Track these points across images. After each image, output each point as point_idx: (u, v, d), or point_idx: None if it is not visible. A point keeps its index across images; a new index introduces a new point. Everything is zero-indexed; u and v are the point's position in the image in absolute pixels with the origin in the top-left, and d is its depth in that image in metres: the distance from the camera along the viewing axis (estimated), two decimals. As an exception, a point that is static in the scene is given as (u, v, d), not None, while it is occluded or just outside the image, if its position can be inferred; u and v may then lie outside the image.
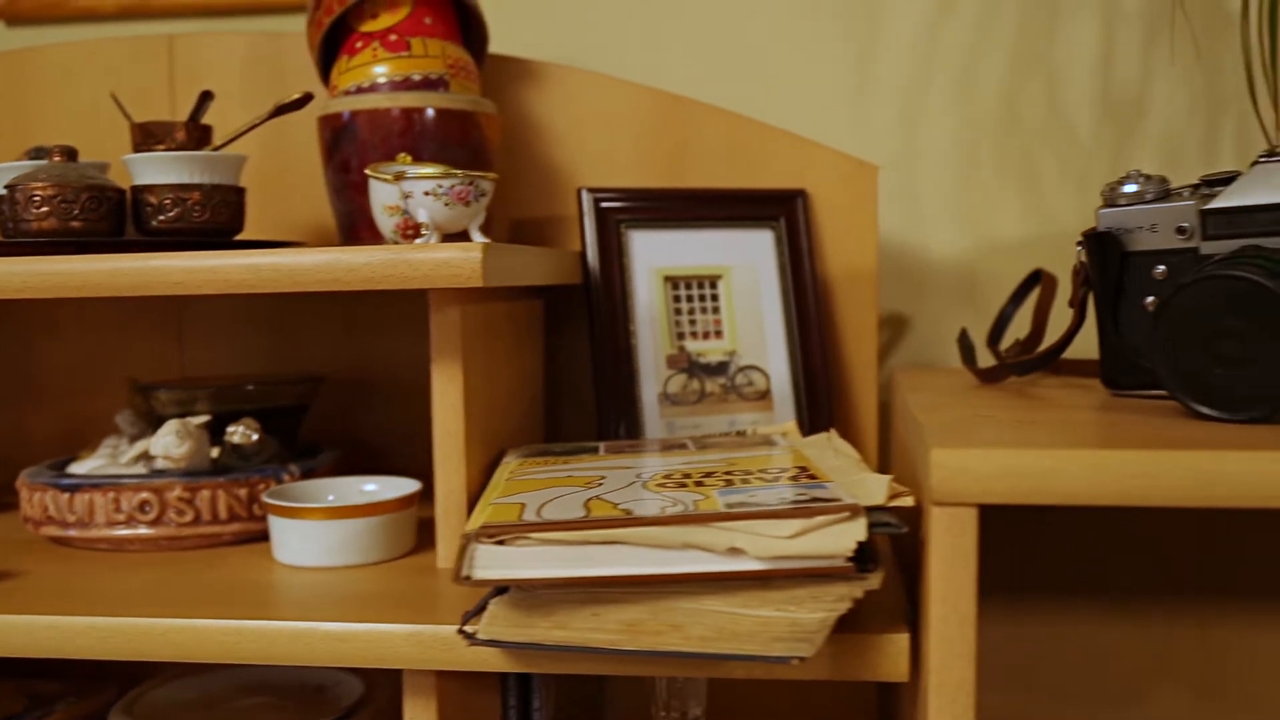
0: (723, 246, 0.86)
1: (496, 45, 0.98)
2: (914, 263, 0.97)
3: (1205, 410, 0.56)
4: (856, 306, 0.89)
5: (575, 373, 0.92)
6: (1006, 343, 0.87)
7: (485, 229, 0.78)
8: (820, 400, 0.85)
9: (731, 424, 0.84)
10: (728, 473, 0.61)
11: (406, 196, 0.67)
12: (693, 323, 0.84)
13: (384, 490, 0.76)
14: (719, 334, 0.85)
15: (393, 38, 0.81)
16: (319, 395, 0.95)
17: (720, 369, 0.84)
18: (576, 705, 0.94)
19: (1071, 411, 0.61)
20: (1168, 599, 0.91)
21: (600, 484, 0.60)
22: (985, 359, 0.91)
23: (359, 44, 0.81)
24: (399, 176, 0.67)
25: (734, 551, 0.52)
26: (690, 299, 0.85)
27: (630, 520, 0.52)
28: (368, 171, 0.73)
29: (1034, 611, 0.93)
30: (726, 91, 0.99)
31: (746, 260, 0.86)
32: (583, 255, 0.83)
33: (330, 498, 0.76)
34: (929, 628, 0.50)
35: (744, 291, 0.86)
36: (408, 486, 0.75)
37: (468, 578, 0.53)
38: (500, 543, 0.53)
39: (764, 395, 0.85)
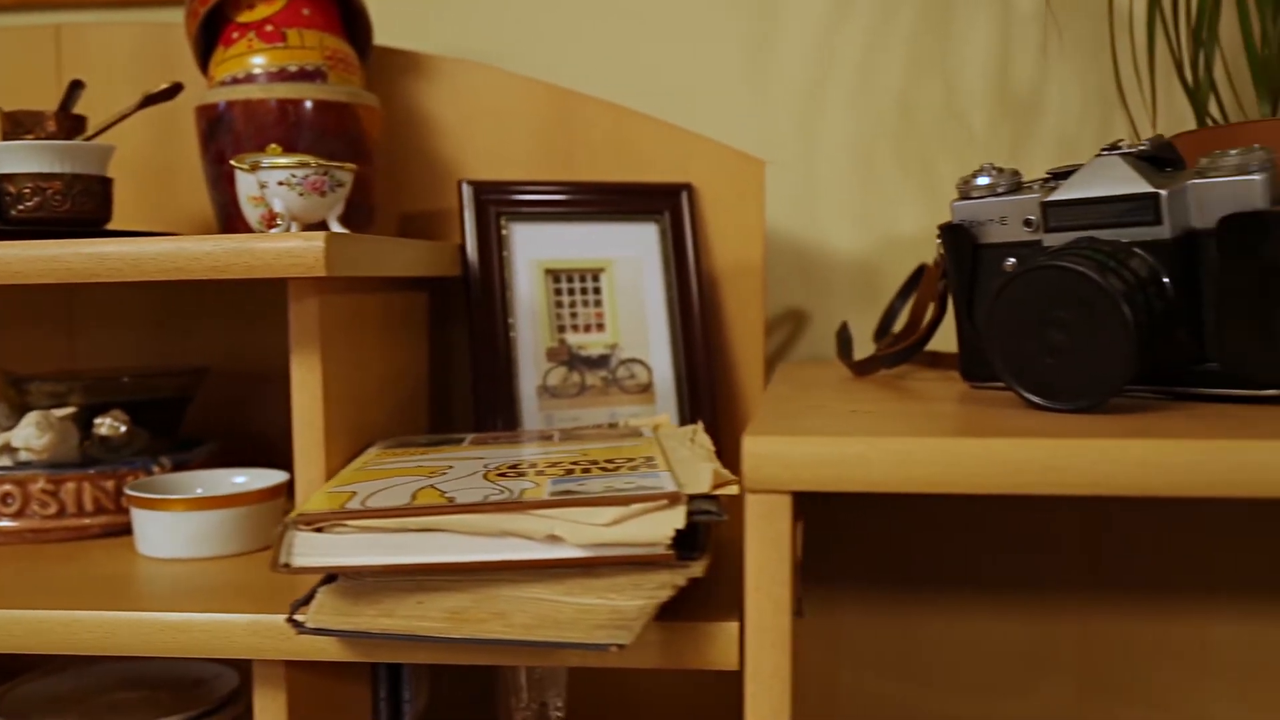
0: (606, 240, 0.86)
1: (386, 38, 0.98)
2: (814, 259, 0.98)
3: (1036, 399, 0.56)
4: (743, 300, 0.89)
5: (464, 365, 0.92)
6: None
7: (364, 220, 0.78)
8: (702, 393, 0.85)
9: (612, 416, 0.84)
10: (574, 463, 0.61)
11: (263, 186, 0.67)
12: (574, 316, 0.84)
13: (252, 482, 0.76)
14: (601, 327, 0.85)
15: (269, 28, 0.80)
16: (204, 387, 0.95)
17: (602, 362, 0.84)
18: (467, 694, 0.94)
19: (916, 403, 0.61)
20: (1050, 591, 0.92)
21: (444, 474, 0.60)
22: (870, 352, 0.91)
23: (235, 34, 0.81)
24: (255, 166, 0.67)
25: (552, 539, 0.52)
26: (572, 292, 0.85)
27: (448, 508, 0.52)
28: (232, 162, 0.73)
29: (925, 604, 0.94)
30: (622, 88, 0.99)
31: (630, 254, 0.86)
32: (462, 248, 0.83)
33: (199, 490, 0.76)
34: (745, 615, 0.51)
35: (627, 285, 0.86)
36: (275, 478, 0.75)
37: (285, 565, 0.52)
38: (318, 530, 0.52)
39: (646, 388, 0.85)
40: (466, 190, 0.83)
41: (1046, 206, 0.61)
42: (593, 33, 0.99)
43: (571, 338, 0.84)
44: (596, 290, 0.85)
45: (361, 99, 0.82)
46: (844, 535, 0.94)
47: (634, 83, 0.99)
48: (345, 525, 0.52)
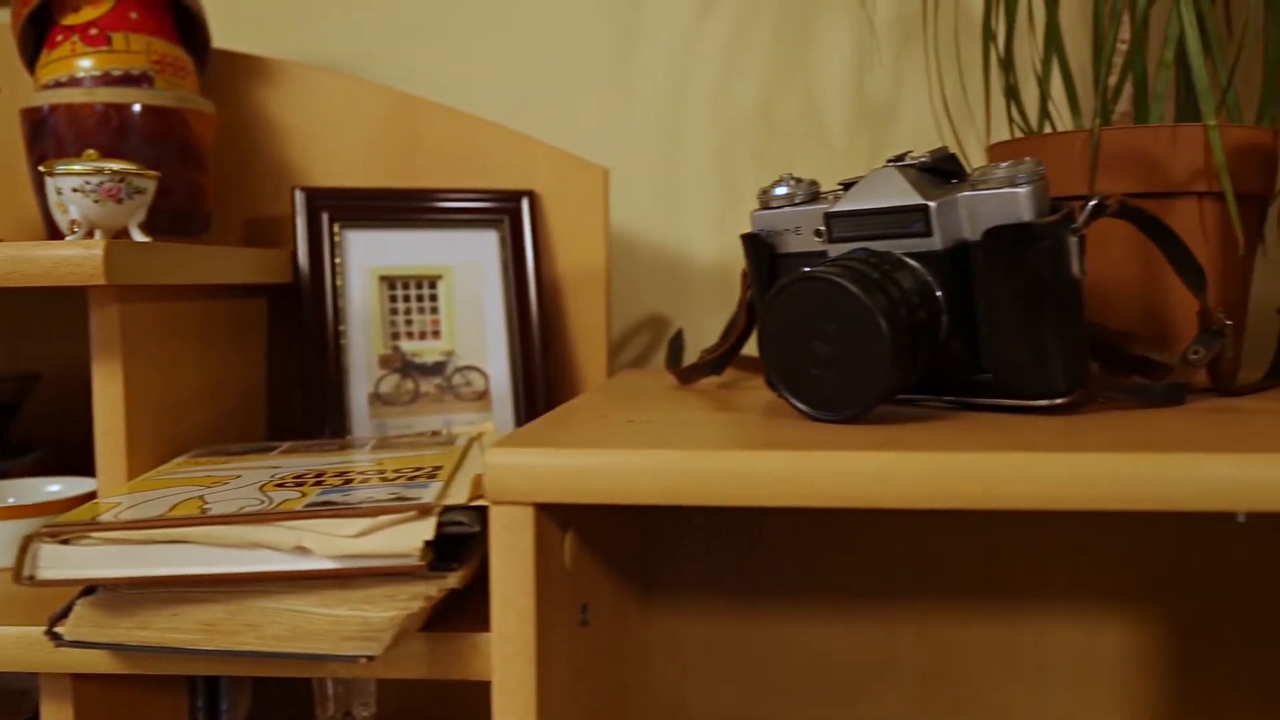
0: (445, 247, 0.86)
1: (231, 42, 0.97)
2: (676, 264, 0.98)
3: (806, 409, 0.57)
4: (587, 307, 0.89)
5: (310, 373, 0.91)
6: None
7: (199, 226, 0.77)
8: (538, 400, 0.85)
9: (446, 423, 0.83)
10: (361, 472, 0.61)
11: (59, 193, 0.66)
12: (409, 323, 0.84)
13: (64, 491, 0.75)
14: (437, 334, 0.84)
15: (93, 31, 0.80)
16: (38, 394, 0.93)
17: (437, 369, 0.84)
18: (292, 702, 0.93)
19: (706, 413, 0.61)
20: (891, 598, 0.92)
21: (224, 485, 0.60)
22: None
23: (60, 37, 0.80)
24: (49, 172, 0.66)
25: (301, 550, 0.51)
26: (408, 299, 0.84)
27: (197, 519, 0.52)
28: (40, 168, 0.72)
29: (771, 612, 0.94)
30: (476, 94, 0.99)
31: (469, 260, 0.86)
32: (294, 254, 0.83)
33: (11, 499, 0.75)
34: (492, 626, 0.50)
35: (465, 292, 0.86)
36: (85, 487, 0.74)
37: (30, 578, 0.52)
38: (65, 542, 0.52)
39: (482, 395, 0.85)
40: (299, 197, 0.83)
41: (829, 217, 0.61)
42: (449, 39, 0.99)
43: (406, 345, 0.84)
44: (433, 297, 0.85)
45: (192, 104, 0.81)
46: (689, 544, 0.94)
47: (490, 88, 0.99)
48: (91, 537, 0.52)
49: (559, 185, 0.89)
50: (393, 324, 0.83)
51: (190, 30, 0.85)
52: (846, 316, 0.54)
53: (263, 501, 0.54)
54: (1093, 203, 0.56)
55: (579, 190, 0.89)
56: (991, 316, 0.57)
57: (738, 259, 0.98)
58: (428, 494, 0.54)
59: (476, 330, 0.85)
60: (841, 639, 0.93)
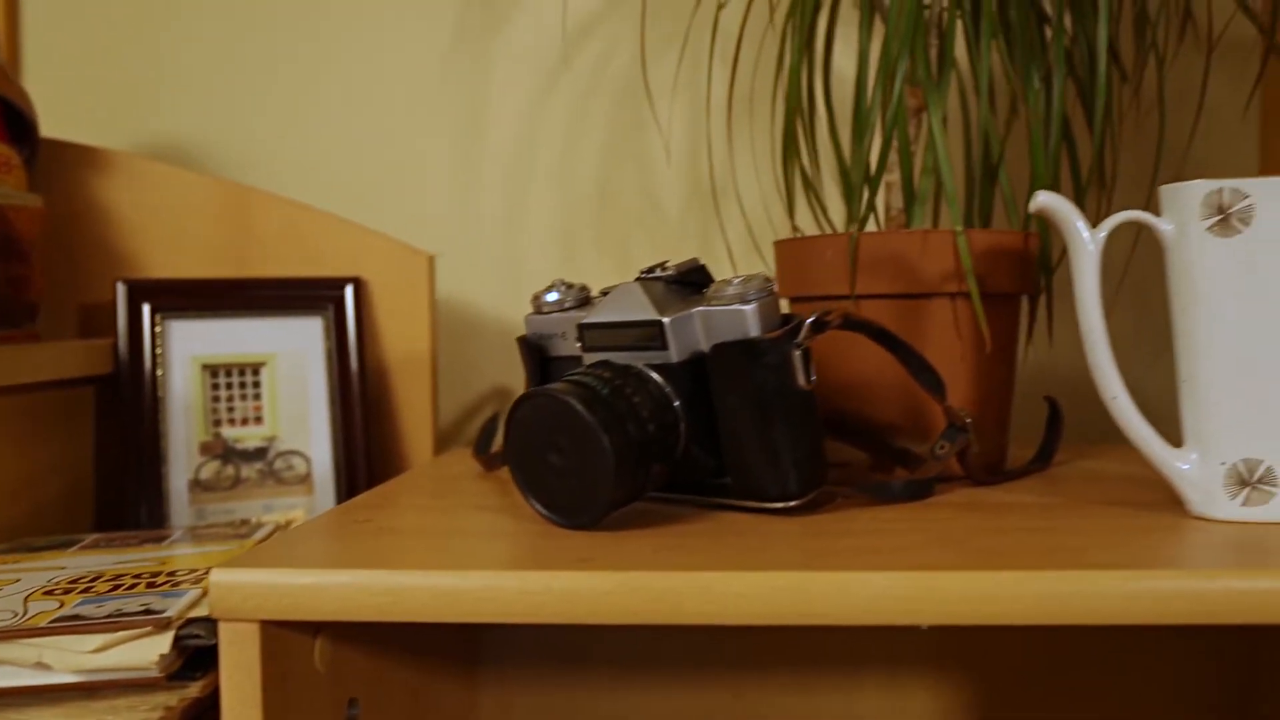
0: (268, 334, 0.88)
1: (65, 132, 1.00)
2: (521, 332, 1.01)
3: (549, 515, 0.60)
4: (413, 389, 0.92)
5: (145, 455, 0.94)
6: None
7: (25, 317, 0.79)
8: (359, 482, 0.87)
9: (268, 508, 0.86)
10: (135, 576, 0.63)
11: None
12: (231, 410, 0.86)
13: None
14: (259, 420, 0.87)
15: (-87, 133, 0.82)
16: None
17: (259, 454, 0.86)
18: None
19: (478, 513, 0.64)
20: (706, 665, 0.95)
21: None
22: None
23: (-120, 139, 0.82)
24: None
25: (41, 666, 0.54)
26: (230, 386, 0.87)
27: (-61, 638, 0.54)
28: None
29: (594, 681, 0.97)
30: (316, 182, 1.02)
31: (293, 347, 0.89)
32: (115, 346, 0.85)
33: None
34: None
35: (289, 378, 0.88)
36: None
37: None
38: None
39: (304, 479, 0.87)
40: (120, 289, 0.85)
41: (581, 328, 0.64)
42: (287, 127, 1.02)
43: (228, 431, 0.86)
44: (256, 384, 0.87)
45: (12, 199, 0.83)
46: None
47: (329, 175, 1.02)
48: None
49: (386, 271, 0.92)
50: (214, 411, 0.86)
51: (18, 124, 0.87)
52: (574, 432, 0.57)
53: (15, 614, 0.57)
54: (811, 320, 0.59)
55: (405, 276, 0.92)
56: (727, 425, 0.61)
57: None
58: (177, 605, 0.56)
59: (300, 415, 0.88)
60: (662, 706, 0.96)
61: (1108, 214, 0.71)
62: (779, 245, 0.77)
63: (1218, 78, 0.95)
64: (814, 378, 0.60)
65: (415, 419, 0.92)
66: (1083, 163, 0.84)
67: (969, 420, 0.66)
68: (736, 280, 0.60)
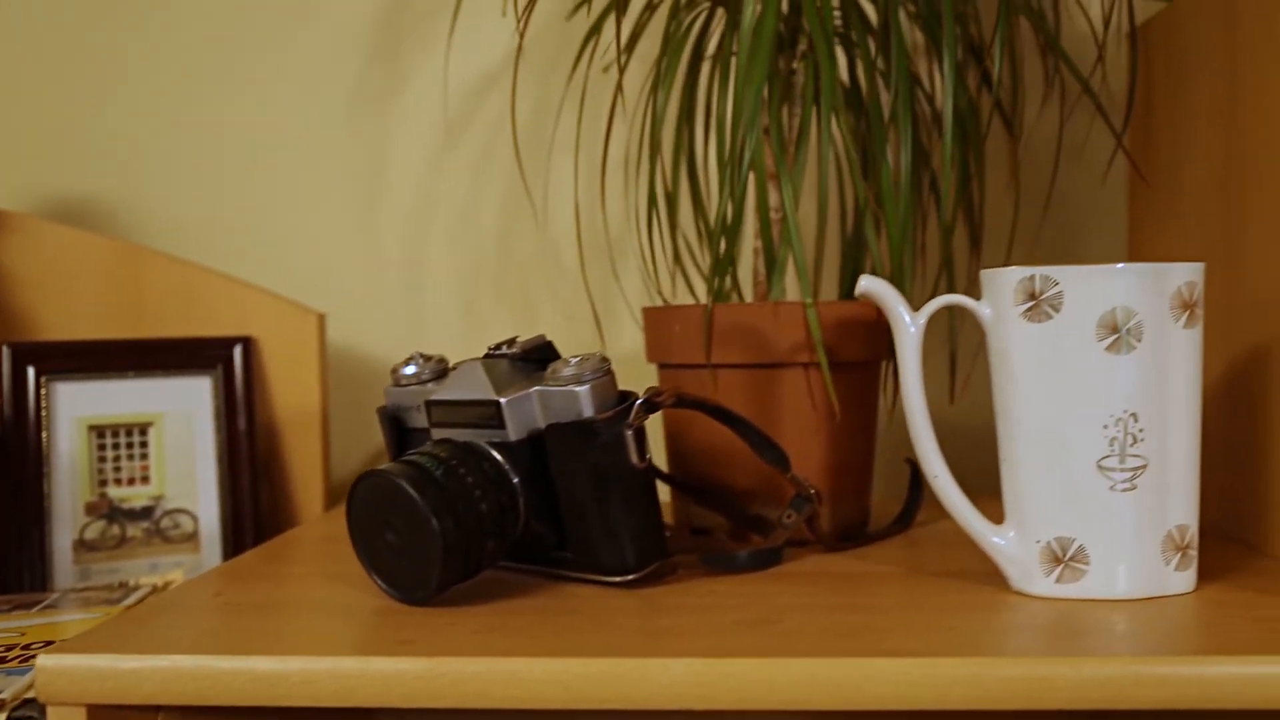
0: (157, 394, 0.89)
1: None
2: None
3: (389, 590, 0.61)
4: (303, 446, 0.94)
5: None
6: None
7: None
8: (246, 540, 0.89)
9: (153, 567, 0.87)
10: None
11: None
12: (117, 469, 0.88)
13: None
14: (146, 479, 0.88)
15: None
16: None
17: (145, 514, 0.88)
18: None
19: (328, 584, 0.65)
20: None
21: None
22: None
23: None
24: None
25: None
26: (117, 446, 0.88)
27: None
28: None
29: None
30: (210, 242, 1.03)
31: (182, 407, 0.90)
32: None
33: None
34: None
35: (177, 437, 0.89)
36: None
37: None
38: None
39: (191, 537, 0.88)
40: (5, 352, 0.86)
41: (428, 404, 0.66)
42: (186, 186, 1.03)
43: (114, 491, 0.87)
44: (143, 444, 0.88)
45: (-102, 265, 0.85)
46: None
47: (225, 234, 1.03)
48: None
49: (277, 330, 0.93)
50: (101, 471, 0.87)
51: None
52: (406, 513, 0.58)
53: None
54: (640, 400, 0.61)
55: (296, 334, 0.93)
56: (565, 501, 0.62)
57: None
58: (15, 685, 0.58)
59: (187, 474, 0.89)
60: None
61: (984, 267, 0.73)
62: (646, 313, 0.79)
63: (1099, 137, 0.97)
64: (649, 455, 0.62)
65: (307, 475, 0.93)
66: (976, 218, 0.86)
67: (814, 491, 0.68)
68: (574, 360, 0.62)
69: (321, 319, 0.94)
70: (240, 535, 0.89)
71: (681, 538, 0.75)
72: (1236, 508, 0.72)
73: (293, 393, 0.93)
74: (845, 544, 0.73)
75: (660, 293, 0.85)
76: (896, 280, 0.70)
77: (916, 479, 0.80)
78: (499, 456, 0.62)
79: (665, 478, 0.77)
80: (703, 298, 0.99)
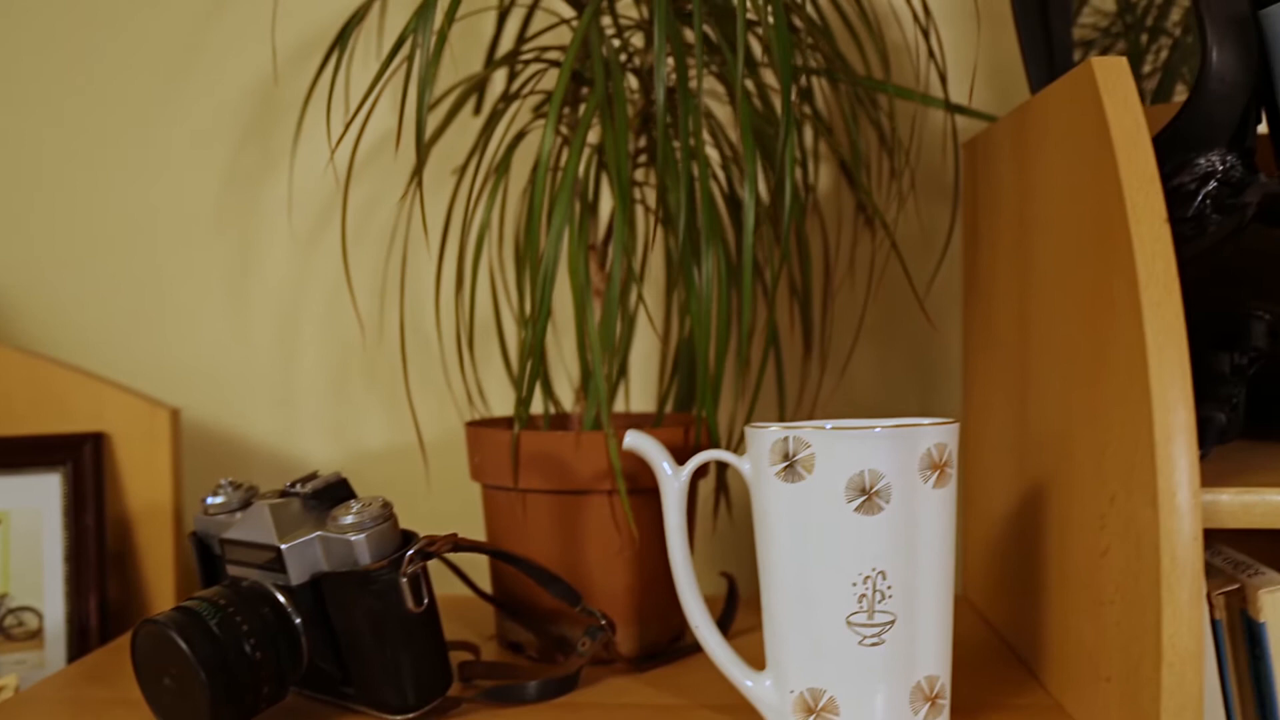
0: (4, 492, 0.91)
1: None
2: (296, 474, 1.04)
3: (168, 732, 0.63)
4: (154, 542, 0.95)
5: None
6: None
7: None
8: (91, 639, 0.90)
9: (-5, 665, 0.88)
10: None
11: None
12: (-38, 568, 0.89)
13: None
14: (-10, 577, 0.90)
15: None
16: None
17: (-12, 612, 0.89)
18: None
19: (99, 714, 0.67)
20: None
21: None
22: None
23: None
24: None
25: None
26: (-38, 545, 0.89)
27: None
28: None
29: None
30: (69, 336, 1.05)
31: (29, 504, 0.91)
32: None
33: None
34: None
35: (23, 534, 0.91)
36: None
37: None
38: None
39: (35, 635, 0.90)
40: None
41: (222, 542, 0.68)
42: (45, 276, 1.05)
43: (-42, 590, 0.89)
44: (-11, 542, 0.90)
45: None
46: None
47: (84, 328, 1.05)
48: None
49: (129, 425, 0.95)
50: (-56, 570, 0.89)
51: None
52: (178, 662, 0.60)
53: None
54: (414, 549, 0.63)
55: (148, 429, 0.95)
56: (346, 643, 0.64)
57: (351, 465, 1.04)
58: None
59: (33, 571, 0.90)
60: None
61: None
62: (466, 430, 0.80)
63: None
64: (426, 598, 0.64)
65: (158, 571, 0.95)
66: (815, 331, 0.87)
67: (605, 621, 0.70)
68: (356, 506, 0.64)
69: (175, 414, 0.95)
70: (86, 633, 0.90)
71: (480, 665, 0.75)
72: (1023, 635, 0.75)
73: (145, 487, 0.95)
74: (649, 663, 0.75)
75: (482, 411, 0.87)
76: (715, 391, 0.72)
77: (732, 593, 0.82)
78: (282, 599, 0.64)
79: (480, 593, 0.79)
80: (567, 402, 1.01)
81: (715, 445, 0.79)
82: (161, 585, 0.95)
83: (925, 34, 0.83)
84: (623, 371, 0.94)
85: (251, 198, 1.06)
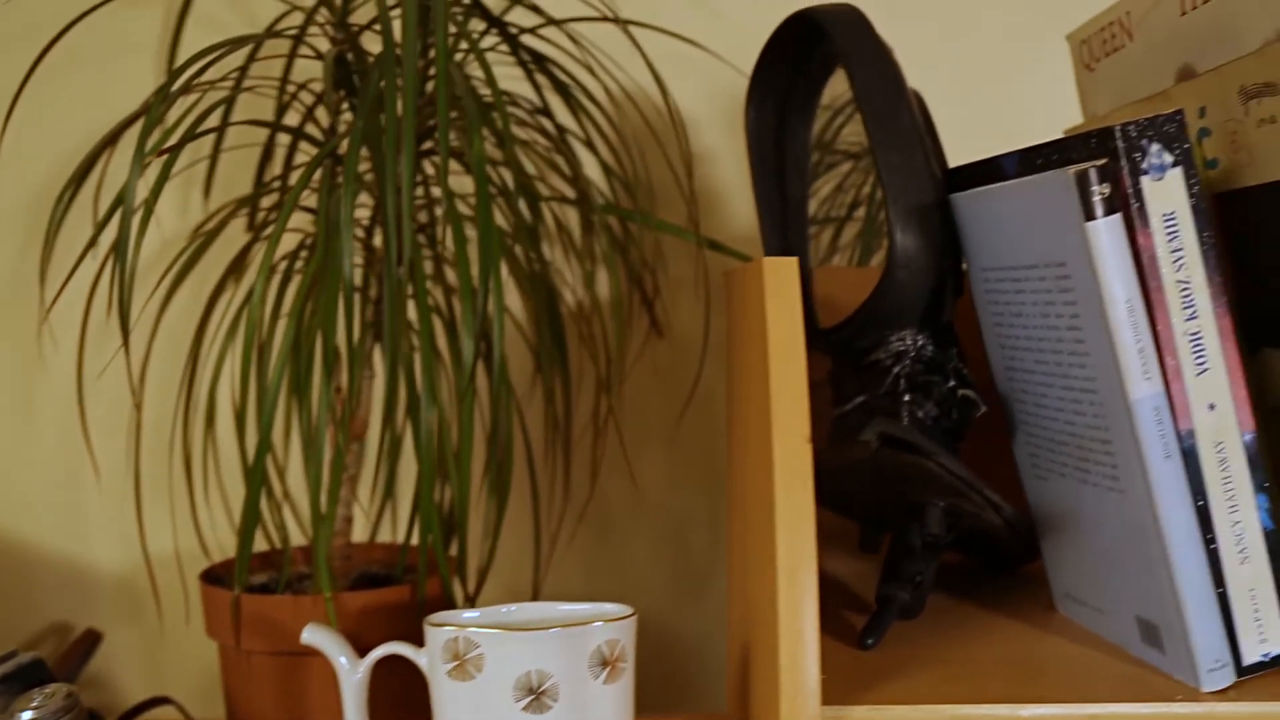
0: None
1: None
2: (82, 577, 1.03)
3: None
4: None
5: None
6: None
7: None
8: None
9: None
10: None
11: None
12: None
13: None
14: None
15: None
16: None
17: None
18: None
19: None
20: None
21: None
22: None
23: None
24: None
25: None
26: None
27: None
28: None
29: None
30: None
31: None
32: None
33: None
34: None
35: None
36: None
37: None
38: None
39: None
40: None
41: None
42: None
43: None
44: None
45: None
46: None
47: None
48: None
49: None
50: None
51: None
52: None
53: None
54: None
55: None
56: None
57: (138, 572, 1.03)
58: None
59: None
60: None
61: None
62: (200, 581, 0.80)
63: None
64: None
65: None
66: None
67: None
68: (39, 697, 0.64)
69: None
70: None
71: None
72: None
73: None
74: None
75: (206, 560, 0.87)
76: (461, 529, 0.72)
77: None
78: (-36, 794, 0.63)
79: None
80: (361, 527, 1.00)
81: (450, 602, 0.79)
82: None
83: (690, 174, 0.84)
84: (389, 493, 0.94)
85: (36, 298, 1.04)
